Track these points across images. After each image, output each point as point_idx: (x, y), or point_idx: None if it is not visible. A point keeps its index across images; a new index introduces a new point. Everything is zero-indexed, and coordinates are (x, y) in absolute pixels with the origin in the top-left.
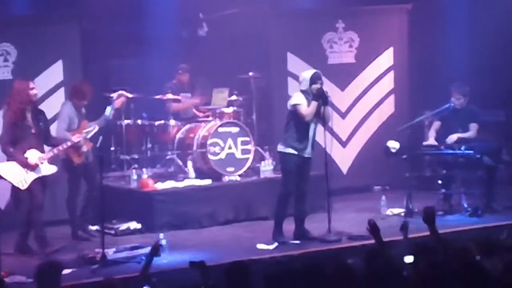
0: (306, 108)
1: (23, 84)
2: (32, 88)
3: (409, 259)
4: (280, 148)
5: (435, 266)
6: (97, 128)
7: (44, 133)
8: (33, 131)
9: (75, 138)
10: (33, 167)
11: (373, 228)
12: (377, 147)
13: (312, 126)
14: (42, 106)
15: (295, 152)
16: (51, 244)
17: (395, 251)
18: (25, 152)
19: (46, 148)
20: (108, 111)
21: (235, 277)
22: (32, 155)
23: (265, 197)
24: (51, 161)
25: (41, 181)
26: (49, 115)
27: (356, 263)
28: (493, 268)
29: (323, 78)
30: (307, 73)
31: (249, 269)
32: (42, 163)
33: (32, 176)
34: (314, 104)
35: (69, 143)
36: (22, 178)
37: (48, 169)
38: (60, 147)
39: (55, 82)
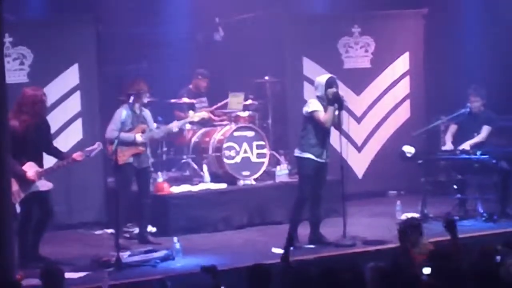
0: (324, 114)
1: (38, 92)
2: (46, 99)
3: (427, 270)
4: (297, 153)
5: (451, 272)
6: (101, 146)
7: (45, 145)
8: (34, 142)
9: (77, 156)
10: (29, 182)
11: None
12: (392, 152)
13: (328, 131)
14: (58, 109)
15: (313, 157)
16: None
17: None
18: (23, 164)
19: (45, 159)
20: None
21: (256, 280)
22: (30, 168)
23: (280, 201)
24: (48, 176)
25: (34, 196)
26: (64, 119)
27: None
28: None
29: (338, 83)
30: (322, 78)
31: (270, 273)
32: (40, 179)
33: (26, 190)
34: (331, 109)
35: (70, 161)
36: (15, 191)
37: (44, 185)
38: (60, 164)
39: (71, 86)
